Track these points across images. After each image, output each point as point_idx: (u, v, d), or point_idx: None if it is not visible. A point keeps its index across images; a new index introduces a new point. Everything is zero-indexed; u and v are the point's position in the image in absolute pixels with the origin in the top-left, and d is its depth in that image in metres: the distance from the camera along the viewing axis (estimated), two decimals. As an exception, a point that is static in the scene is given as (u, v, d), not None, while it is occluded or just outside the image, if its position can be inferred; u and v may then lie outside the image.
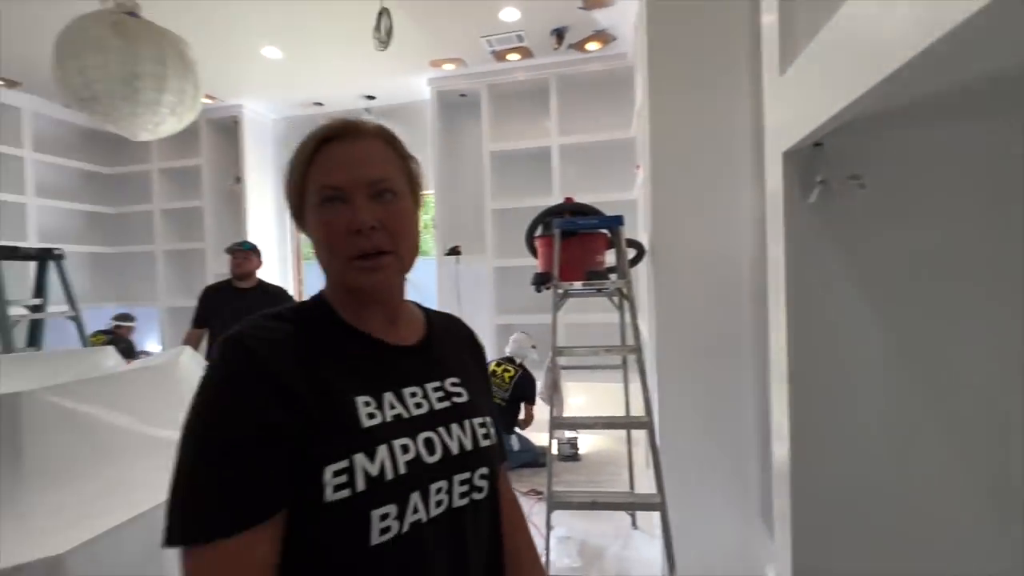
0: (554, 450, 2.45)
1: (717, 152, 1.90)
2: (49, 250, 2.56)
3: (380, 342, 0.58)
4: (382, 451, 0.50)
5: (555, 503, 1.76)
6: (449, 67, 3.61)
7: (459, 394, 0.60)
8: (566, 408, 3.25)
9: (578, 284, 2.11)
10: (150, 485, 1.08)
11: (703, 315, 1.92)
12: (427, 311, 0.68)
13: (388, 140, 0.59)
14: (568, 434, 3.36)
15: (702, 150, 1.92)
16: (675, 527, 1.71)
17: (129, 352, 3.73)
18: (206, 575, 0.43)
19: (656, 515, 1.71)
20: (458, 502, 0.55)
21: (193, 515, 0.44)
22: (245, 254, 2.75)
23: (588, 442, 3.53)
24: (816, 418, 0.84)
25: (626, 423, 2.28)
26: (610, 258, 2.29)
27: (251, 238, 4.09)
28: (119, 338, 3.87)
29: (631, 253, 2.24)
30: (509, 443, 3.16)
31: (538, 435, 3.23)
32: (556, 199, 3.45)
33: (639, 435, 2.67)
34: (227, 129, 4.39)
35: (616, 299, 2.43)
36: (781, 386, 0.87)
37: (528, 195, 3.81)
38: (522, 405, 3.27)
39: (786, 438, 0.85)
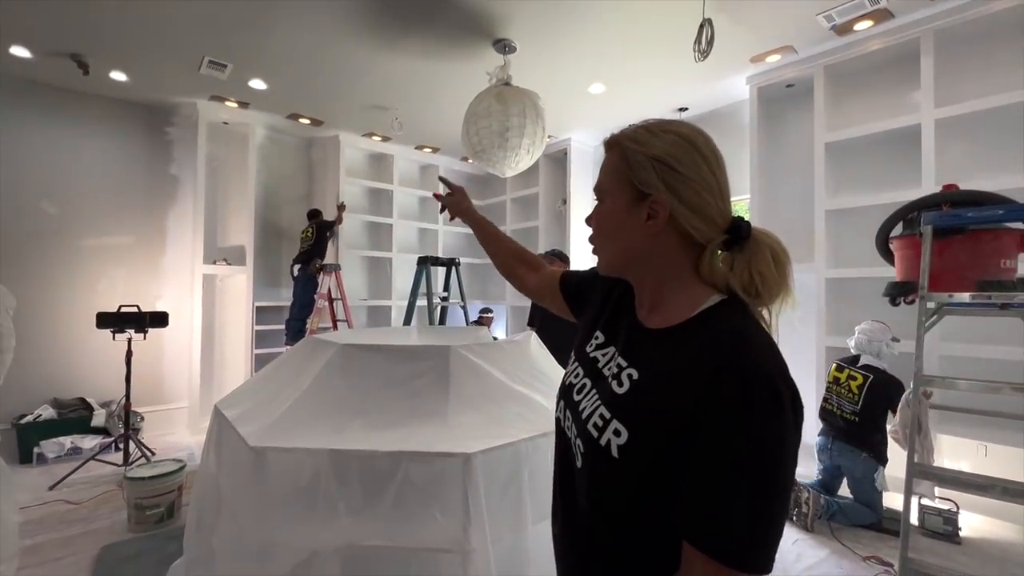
0: (913, 514, 1.88)
1: None
2: (453, 259, 3.72)
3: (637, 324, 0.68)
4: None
5: (915, 573, 1.37)
6: (774, 59, 3.30)
7: (622, 384, 0.61)
8: (937, 457, 2.36)
9: (965, 296, 1.58)
10: (510, 423, 1.47)
11: None
12: (712, 329, 0.57)
13: (621, 148, 0.66)
14: (939, 499, 2.50)
15: None
16: None
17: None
18: None
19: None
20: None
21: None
22: (549, 259, 3.29)
23: (974, 523, 2.53)
24: None
25: (1056, 503, 1.55)
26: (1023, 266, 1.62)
27: (573, 249, 4.76)
28: (483, 324, 5.19)
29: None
30: (869, 475, 2.52)
31: (896, 495, 2.52)
32: (925, 190, 2.67)
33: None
34: (558, 160, 5.27)
35: (1038, 322, 1.69)
36: None
37: (877, 190, 3.08)
38: (888, 414, 2.48)
39: None
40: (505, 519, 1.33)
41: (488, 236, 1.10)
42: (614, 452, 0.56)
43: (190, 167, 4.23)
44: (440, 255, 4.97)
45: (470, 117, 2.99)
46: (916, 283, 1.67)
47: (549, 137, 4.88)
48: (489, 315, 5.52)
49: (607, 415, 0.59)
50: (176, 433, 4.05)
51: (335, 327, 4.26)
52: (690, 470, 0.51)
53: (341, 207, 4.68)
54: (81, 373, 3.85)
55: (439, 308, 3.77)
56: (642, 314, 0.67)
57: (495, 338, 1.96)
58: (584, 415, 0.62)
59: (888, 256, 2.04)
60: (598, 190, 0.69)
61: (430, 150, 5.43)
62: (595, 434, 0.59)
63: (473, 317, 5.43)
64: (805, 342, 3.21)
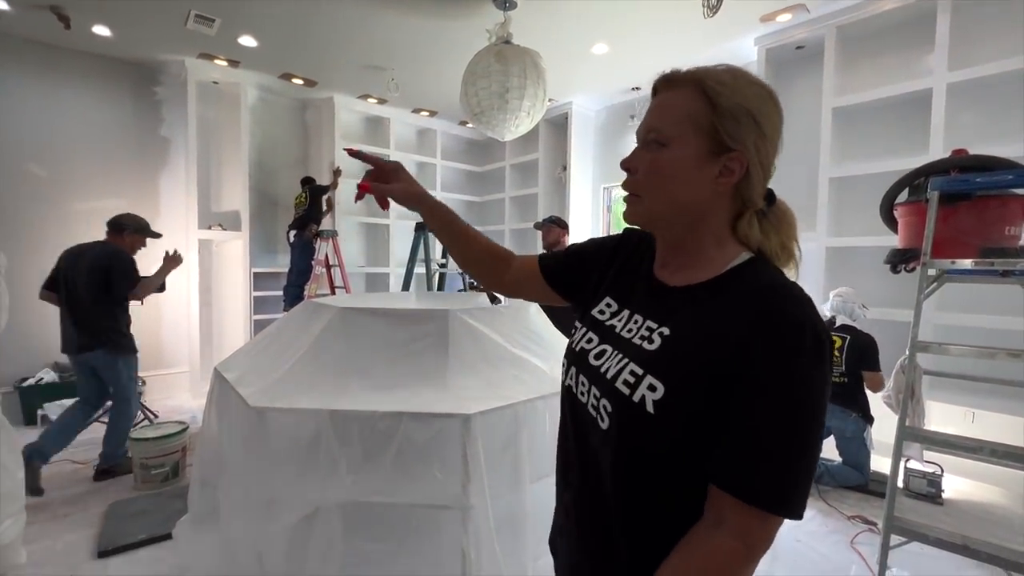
0: (900, 477, 1.94)
1: None
2: (450, 226, 3.70)
3: (655, 279, 0.66)
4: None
5: (899, 530, 1.42)
6: (784, 18, 3.18)
7: (652, 342, 0.59)
8: (926, 423, 2.43)
9: (967, 263, 1.57)
10: (508, 386, 1.48)
11: None
12: (750, 282, 0.57)
13: (703, 90, 0.58)
14: (925, 462, 2.56)
15: None
16: None
17: (492, 299, 4.95)
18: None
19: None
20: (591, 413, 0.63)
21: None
22: (548, 227, 3.31)
23: (957, 486, 2.60)
24: None
25: (1040, 466, 1.59)
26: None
27: (572, 216, 4.70)
28: (479, 289, 5.19)
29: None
30: (859, 434, 2.60)
31: (881, 459, 2.59)
32: (932, 158, 2.62)
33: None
34: (558, 125, 5.15)
35: (1038, 289, 1.69)
36: None
37: (883, 157, 3.03)
38: (863, 376, 2.63)
39: None
40: (504, 478, 1.36)
41: (451, 229, 0.82)
42: (649, 407, 0.54)
43: (181, 128, 4.11)
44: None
45: (469, 77, 2.89)
46: (919, 250, 1.66)
47: (550, 100, 4.75)
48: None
49: (639, 371, 0.57)
50: (178, 397, 4.10)
51: (333, 293, 4.25)
52: (732, 416, 0.51)
53: (336, 172, 4.59)
54: (80, 337, 3.84)
55: (437, 274, 3.75)
56: (664, 273, 0.65)
57: (496, 300, 1.95)
58: (610, 375, 0.60)
59: (892, 223, 2.02)
60: (656, 133, 0.59)
61: (427, 113, 5.29)
62: (626, 391, 0.57)
63: (472, 281, 5.42)
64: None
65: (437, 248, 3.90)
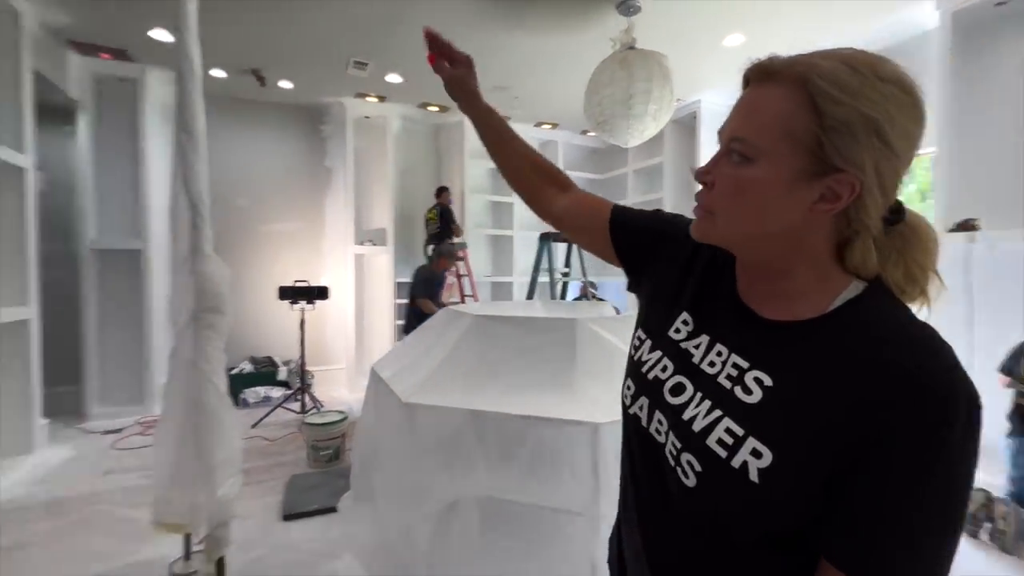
0: None
1: None
2: (573, 235, 3.75)
3: (740, 303, 0.55)
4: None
5: None
6: (975, -28, 2.64)
7: (750, 391, 0.48)
8: None
9: None
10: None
11: None
12: (870, 324, 0.46)
13: (807, 89, 0.44)
14: None
15: None
16: None
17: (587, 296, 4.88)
18: None
19: None
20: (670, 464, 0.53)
21: None
22: None
23: None
24: None
25: None
26: None
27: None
28: (599, 299, 5.13)
29: None
30: None
31: None
32: None
33: None
34: (686, 125, 4.90)
35: None
36: None
37: None
38: None
39: None
40: (635, 490, 1.34)
41: (498, 134, 0.79)
42: (753, 476, 0.46)
43: (340, 159, 4.80)
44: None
45: (592, 87, 2.91)
46: None
47: (677, 100, 4.56)
48: (594, 291, 5.40)
49: (739, 432, 0.47)
50: (337, 390, 4.75)
51: (463, 301, 4.57)
52: (857, 490, 0.43)
53: (440, 192, 4.88)
54: (268, 336, 4.69)
55: (560, 284, 3.82)
56: (751, 299, 0.54)
57: (617, 311, 1.94)
58: (698, 428, 0.50)
59: None
60: (741, 144, 0.47)
61: (549, 126, 5.43)
62: (722, 453, 0.48)
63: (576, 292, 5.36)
64: (1012, 331, 2.60)
65: (559, 258, 3.99)
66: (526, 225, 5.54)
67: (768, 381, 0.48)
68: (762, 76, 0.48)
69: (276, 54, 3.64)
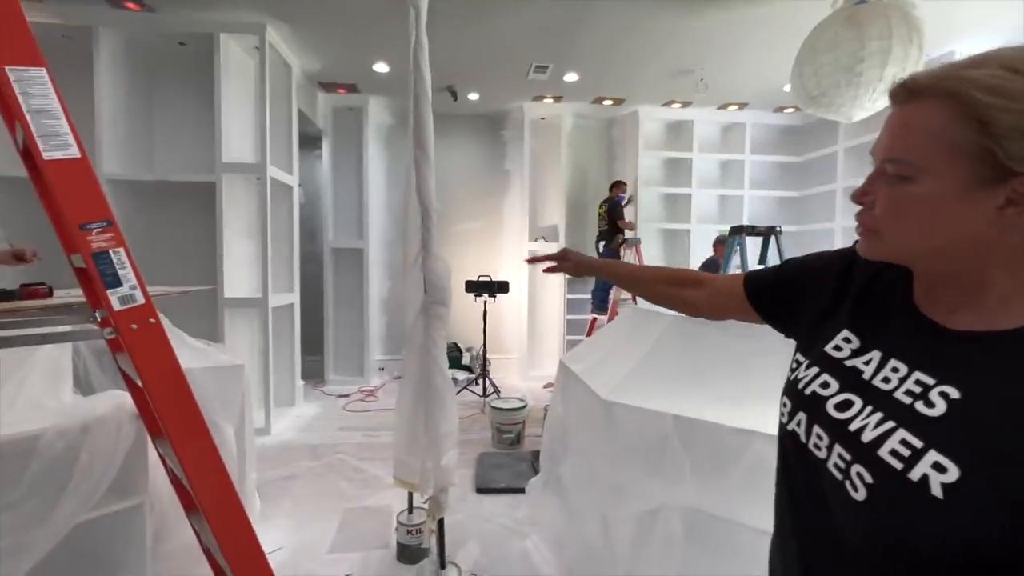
0: None
1: None
2: (773, 227, 3.30)
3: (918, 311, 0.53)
4: None
5: None
6: None
7: (932, 404, 0.46)
8: None
9: None
10: None
11: None
12: None
13: (959, 103, 0.43)
14: None
15: None
16: None
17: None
18: None
19: None
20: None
21: None
22: None
23: None
24: None
25: None
26: None
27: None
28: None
29: None
30: None
31: None
32: None
33: None
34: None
35: None
36: None
37: None
38: None
39: None
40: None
41: (625, 274, 0.99)
42: (935, 491, 0.43)
43: (517, 161, 5.09)
44: (744, 223, 4.50)
45: (805, 55, 2.52)
46: None
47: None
48: None
49: (916, 444, 0.45)
50: (511, 378, 5.08)
51: (634, 299, 4.44)
52: None
53: (621, 189, 4.77)
54: (455, 324, 5.23)
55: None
56: (934, 309, 0.52)
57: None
58: (867, 439, 0.49)
59: None
60: (896, 165, 0.48)
61: (736, 107, 4.91)
62: (898, 465, 0.46)
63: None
64: None
65: (752, 252, 3.58)
66: (703, 218, 5.15)
67: (955, 394, 0.46)
68: (908, 96, 0.48)
69: (466, 69, 4.01)
